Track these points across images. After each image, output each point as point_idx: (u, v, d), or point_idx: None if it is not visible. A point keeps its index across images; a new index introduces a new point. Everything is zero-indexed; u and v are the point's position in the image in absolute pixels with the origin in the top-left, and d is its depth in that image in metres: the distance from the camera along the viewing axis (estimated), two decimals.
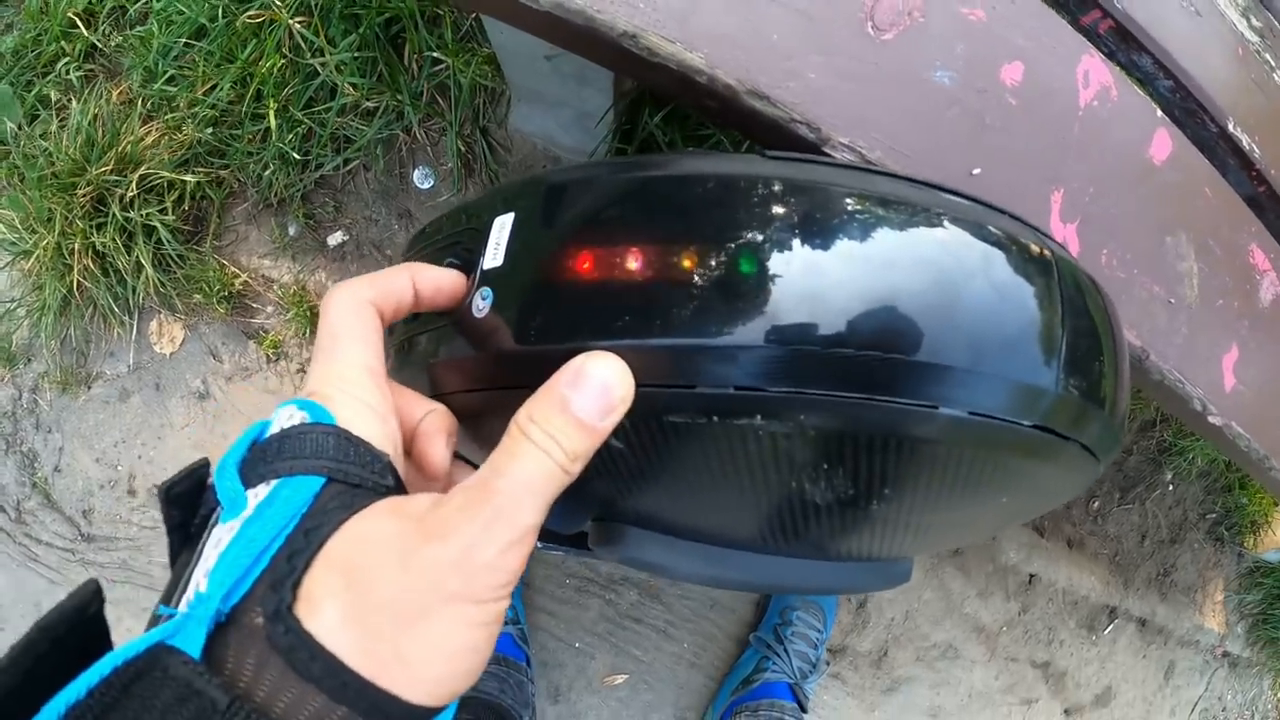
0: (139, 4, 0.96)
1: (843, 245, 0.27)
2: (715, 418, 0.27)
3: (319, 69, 0.87)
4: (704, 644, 1.12)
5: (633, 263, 0.27)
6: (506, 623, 0.97)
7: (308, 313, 0.97)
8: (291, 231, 0.98)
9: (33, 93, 0.98)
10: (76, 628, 0.22)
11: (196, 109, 0.92)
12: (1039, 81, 0.49)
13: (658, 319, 0.27)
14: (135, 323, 1.00)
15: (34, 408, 1.04)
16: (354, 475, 0.25)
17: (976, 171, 0.45)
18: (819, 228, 0.27)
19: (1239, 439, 0.61)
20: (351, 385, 0.27)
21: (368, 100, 0.90)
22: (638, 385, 0.26)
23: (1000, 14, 0.47)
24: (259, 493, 0.24)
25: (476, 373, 0.33)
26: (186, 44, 0.91)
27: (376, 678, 0.22)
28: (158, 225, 0.92)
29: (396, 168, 0.97)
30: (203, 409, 1.02)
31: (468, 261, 0.34)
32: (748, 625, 1.14)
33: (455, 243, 0.37)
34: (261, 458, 0.25)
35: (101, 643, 0.23)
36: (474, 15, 0.86)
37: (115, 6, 0.98)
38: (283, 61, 0.88)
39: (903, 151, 0.42)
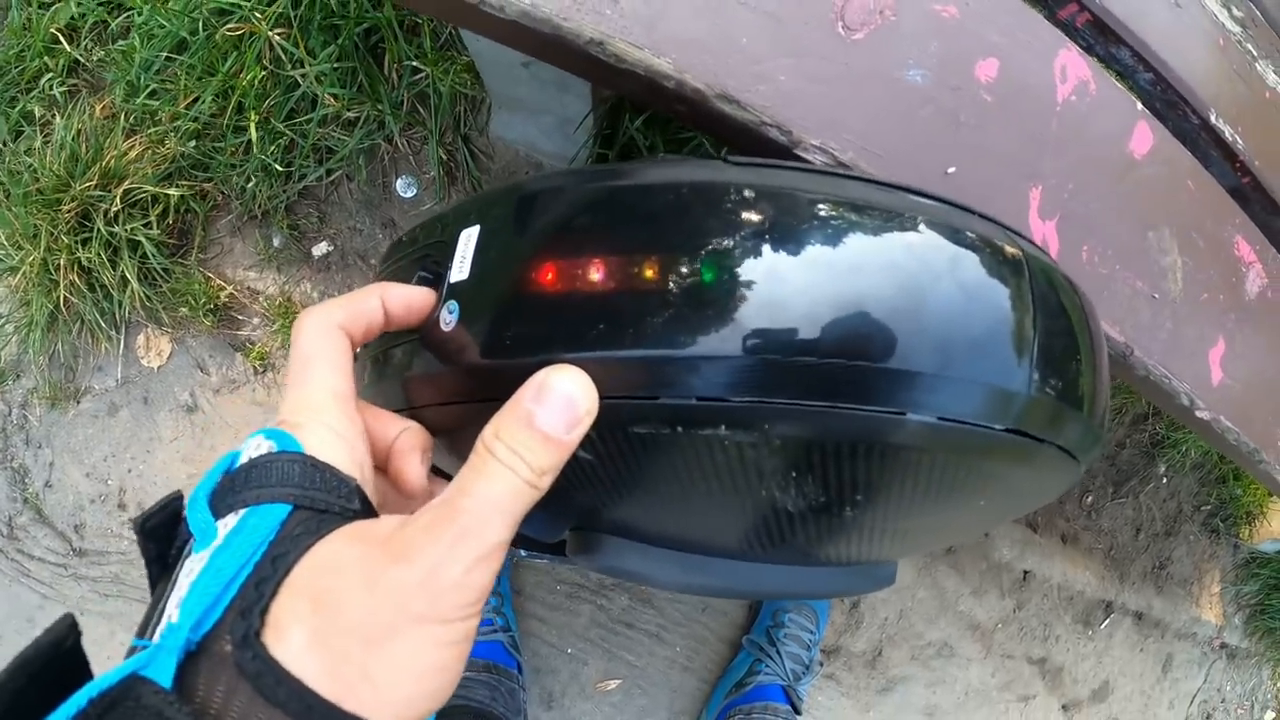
0: (121, 18, 0.96)
1: (803, 251, 0.26)
2: (680, 428, 0.27)
3: (299, 80, 0.87)
4: (696, 647, 1.12)
5: (593, 274, 0.27)
6: (497, 630, 0.97)
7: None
8: (276, 243, 0.98)
9: (17, 109, 0.98)
10: (53, 661, 0.22)
11: (179, 122, 0.91)
12: (1014, 77, 0.48)
13: (620, 330, 0.26)
14: (122, 337, 0.99)
15: (24, 423, 1.04)
16: (320, 500, 0.25)
17: (951, 170, 0.45)
18: (779, 234, 0.26)
19: (1227, 432, 0.61)
20: (319, 412, 0.28)
21: (349, 110, 0.90)
22: (602, 397, 0.26)
23: (974, 10, 0.47)
24: (228, 522, 0.24)
25: (447, 387, 0.33)
26: (168, 58, 0.91)
27: (342, 700, 0.22)
28: (142, 239, 0.91)
29: (379, 177, 0.97)
30: (191, 422, 1.01)
31: (437, 275, 0.34)
32: (740, 628, 1.13)
33: (426, 255, 0.37)
34: (230, 488, 0.25)
35: (80, 674, 0.23)
36: (452, 24, 0.86)
37: (97, 21, 0.98)
38: (263, 73, 0.88)
39: (876, 152, 0.42)
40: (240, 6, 0.85)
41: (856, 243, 0.27)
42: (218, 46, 0.88)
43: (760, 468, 0.29)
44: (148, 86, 0.92)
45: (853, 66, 0.42)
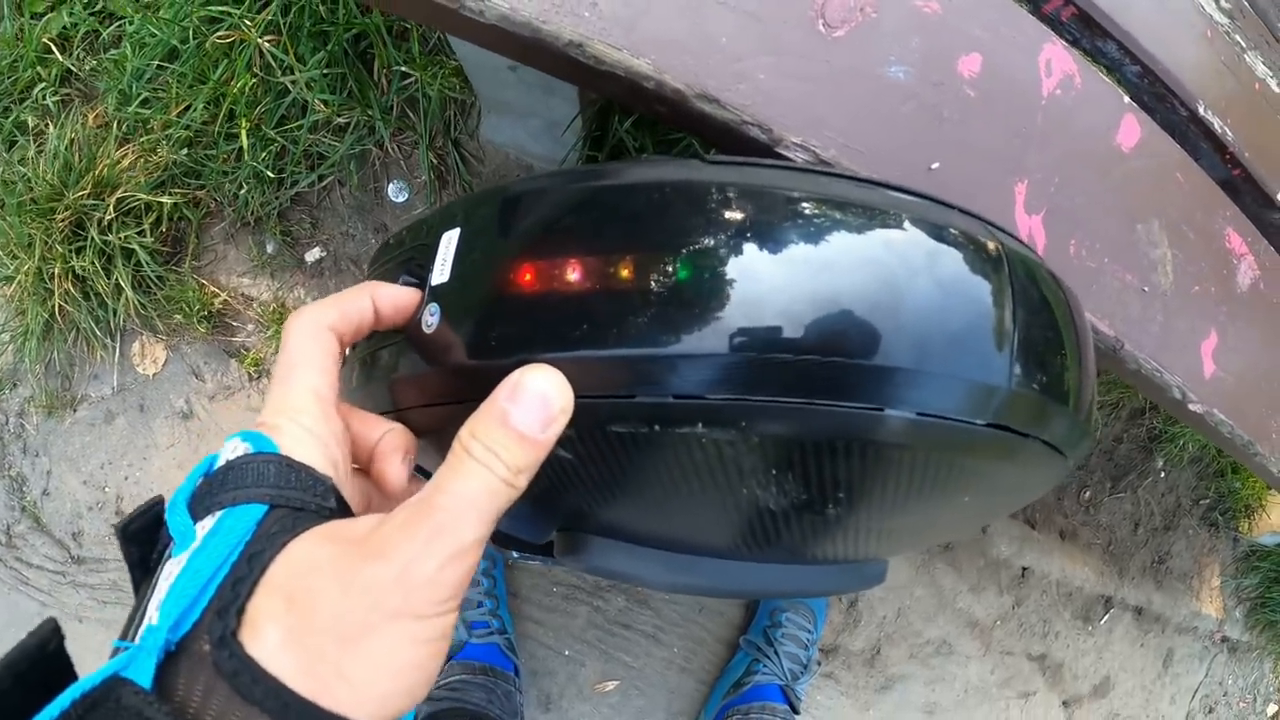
0: (112, 28, 0.96)
1: (778, 248, 0.26)
2: (657, 426, 0.27)
3: (290, 87, 0.87)
4: (694, 648, 1.12)
5: (570, 274, 0.27)
6: (494, 632, 0.97)
7: None
8: (269, 249, 0.98)
9: (10, 119, 0.98)
10: (38, 664, 0.23)
11: (171, 130, 0.92)
12: (998, 72, 0.48)
13: (596, 330, 0.26)
14: (117, 345, 1.00)
15: (21, 432, 1.04)
16: (295, 499, 0.26)
17: (935, 166, 0.45)
18: (755, 232, 0.26)
19: (1221, 425, 0.61)
20: (298, 413, 0.28)
21: (339, 116, 0.90)
22: (579, 396, 0.26)
23: (956, 5, 0.47)
24: (206, 525, 0.24)
25: (430, 388, 0.33)
26: (159, 66, 0.91)
27: (318, 698, 0.22)
28: (136, 248, 0.92)
29: (371, 182, 0.97)
30: (187, 428, 1.02)
31: (422, 277, 0.34)
32: (737, 628, 1.13)
33: (411, 258, 0.37)
34: (208, 491, 0.25)
35: (64, 676, 0.23)
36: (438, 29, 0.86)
37: (89, 31, 0.98)
38: (254, 80, 0.88)
39: (858, 149, 0.42)
40: (230, 14, 0.86)
41: (834, 239, 0.27)
42: (208, 54, 0.88)
43: (740, 466, 0.29)
44: (140, 95, 0.92)
45: (834, 64, 0.42)
